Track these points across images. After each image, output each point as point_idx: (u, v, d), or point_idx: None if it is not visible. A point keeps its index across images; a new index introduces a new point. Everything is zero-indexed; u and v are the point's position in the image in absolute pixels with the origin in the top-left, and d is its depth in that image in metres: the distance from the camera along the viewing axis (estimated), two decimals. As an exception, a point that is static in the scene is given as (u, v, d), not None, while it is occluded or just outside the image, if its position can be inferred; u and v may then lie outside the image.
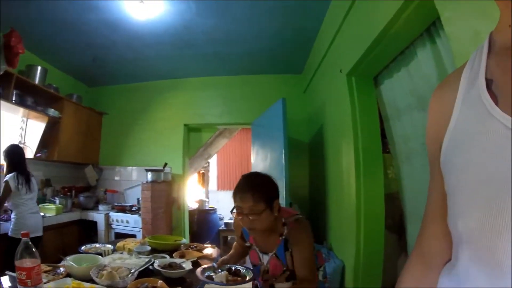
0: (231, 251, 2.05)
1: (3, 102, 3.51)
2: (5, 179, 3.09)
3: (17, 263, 1.36)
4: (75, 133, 4.78)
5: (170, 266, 1.84)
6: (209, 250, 2.44)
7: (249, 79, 4.96)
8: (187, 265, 1.85)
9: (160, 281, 1.57)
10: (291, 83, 4.84)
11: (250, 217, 1.58)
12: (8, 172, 3.14)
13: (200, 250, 2.37)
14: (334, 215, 3.28)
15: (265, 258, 1.74)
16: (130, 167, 5.27)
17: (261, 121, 4.17)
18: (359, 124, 2.62)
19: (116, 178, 5.34)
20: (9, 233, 3.01)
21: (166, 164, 4.62)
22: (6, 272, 1.59)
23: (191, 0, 3.05)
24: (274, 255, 1.70)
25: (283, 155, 3.29)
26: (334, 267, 2.84)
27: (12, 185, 3.06)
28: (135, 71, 5.02)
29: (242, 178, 1.71)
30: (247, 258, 1.96)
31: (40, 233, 3.20)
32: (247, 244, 1.88)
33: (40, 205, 3.90)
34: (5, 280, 1.55)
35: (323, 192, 3.60)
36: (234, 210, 1.66)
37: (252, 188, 1.60)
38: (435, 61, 1.85)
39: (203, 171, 7.75)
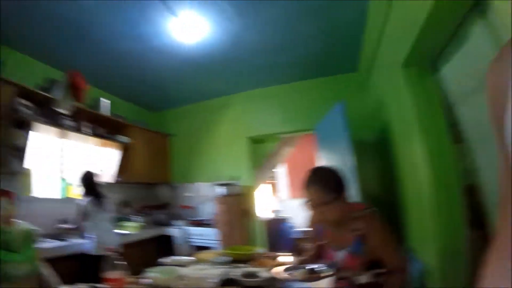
0: (308, 252, 2.06)
1: (77, 134, 3.94)
2: (80, 203, 3.35)
3: (104, 275, 1.46)
4: (146, 156, 5.11)
5: (248, 275, 1.86)
6: (284, 258, 2.41)
7: (304, 84, 4.91)
8: (264, 274, 1.86)
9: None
10: (347, 82, 4.67)
11: (320, 208, 1.62)
12: (84, 196, 3.39)
13: (276, 259, 2.35)
14: (411, 215, 3.09)
15: (339, 255, 1.73)
16: (201, 183, 5.45)
17: (323, 126, 4.11)
18: (424, 116, 2.47)
19: (189, 194, 5.56)
20: (87, 252, 3.20)
21: (235, 177, 4.71)
22: (91, 284, 1.68)
23: (234, 16, 3.12)
24: (349, 251, 1.68)
25: (350, 158, 3.22)
26: (415, 270, 2.66)
27: (87, 207, 3.31)
28: (193, 92, 5.27)
29: (310, 171, 1.74)
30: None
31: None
32: (321, 242, 1.87)
33: (121, 224, 4.26)
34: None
35: (396, 192, 3.42)
36: (306, 203, 1.69)
37: (321, 179, 1.65)
38: (491, 36, 1.68)
39: (272, 181, 7.76)
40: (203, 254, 2.49)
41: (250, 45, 3.71)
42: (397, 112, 3.06)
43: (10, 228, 1.73)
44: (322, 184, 1.62)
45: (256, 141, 5.40)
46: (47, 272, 2.07)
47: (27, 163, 3.34)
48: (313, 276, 1.63)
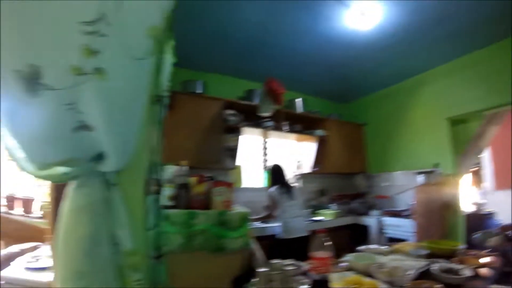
0: None
1: (278, 132, 4.65)
2: (269, 192, 3.80)
3: (312, 254, 1.74)
4: (341, 147, 5.33)
5: (448, 271, 1.79)
6: (489, 258, 2.19)
7: (503, 45, 3.94)
8: (466, 272, 1.75)
9: (440, 285, 1.54)
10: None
11: None
12: (272, 185, 3.83)
13: (479, 258, 2.17)
14: None
15: None
16: (398, 172, 5.28)
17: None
18: None
19: (385, 184, 5.48)
20: (277, 235, 3.61)
21: (436, 164, 4.44)
22: (294, 261, 1.97)
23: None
24: None
25: None
26: None
27: (275, 196, 3.72)
28: (380, 77, 5.12)
29: None
30: None
31: (304, 234, 3.58)
32: None
33: (318, 211, 4.76)
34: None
35: None
36: None
37: None
38: None
39: (476, 168, 6.76)
40: (400, 245, 2.48)
41: (428, 14, 3.31)
42: None
43: (229, 211, 2.22)
44: None
45: (457, 121, 4.74)
46: (256, 247, 2.53)
47: (238, 160, 4.26)
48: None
